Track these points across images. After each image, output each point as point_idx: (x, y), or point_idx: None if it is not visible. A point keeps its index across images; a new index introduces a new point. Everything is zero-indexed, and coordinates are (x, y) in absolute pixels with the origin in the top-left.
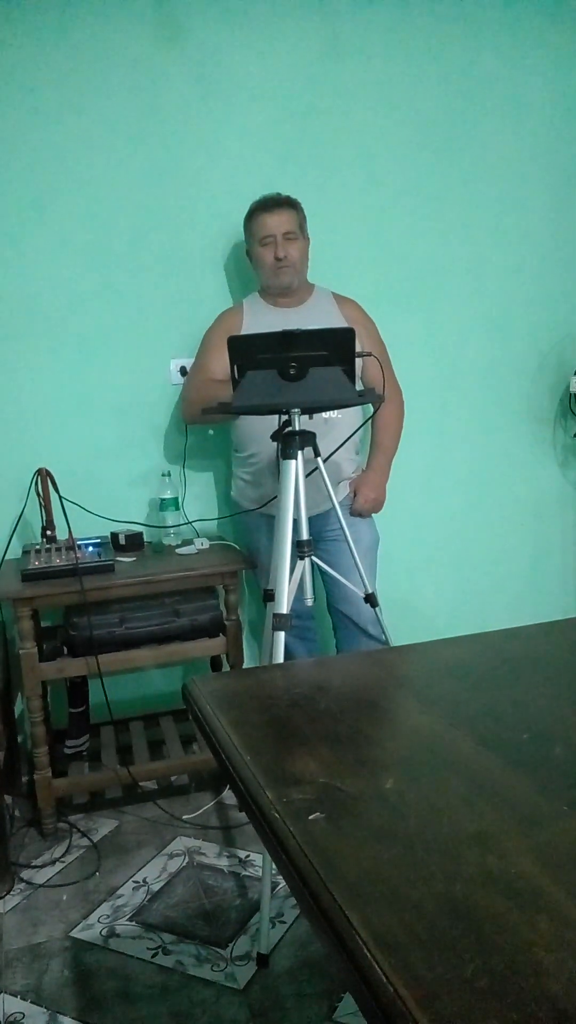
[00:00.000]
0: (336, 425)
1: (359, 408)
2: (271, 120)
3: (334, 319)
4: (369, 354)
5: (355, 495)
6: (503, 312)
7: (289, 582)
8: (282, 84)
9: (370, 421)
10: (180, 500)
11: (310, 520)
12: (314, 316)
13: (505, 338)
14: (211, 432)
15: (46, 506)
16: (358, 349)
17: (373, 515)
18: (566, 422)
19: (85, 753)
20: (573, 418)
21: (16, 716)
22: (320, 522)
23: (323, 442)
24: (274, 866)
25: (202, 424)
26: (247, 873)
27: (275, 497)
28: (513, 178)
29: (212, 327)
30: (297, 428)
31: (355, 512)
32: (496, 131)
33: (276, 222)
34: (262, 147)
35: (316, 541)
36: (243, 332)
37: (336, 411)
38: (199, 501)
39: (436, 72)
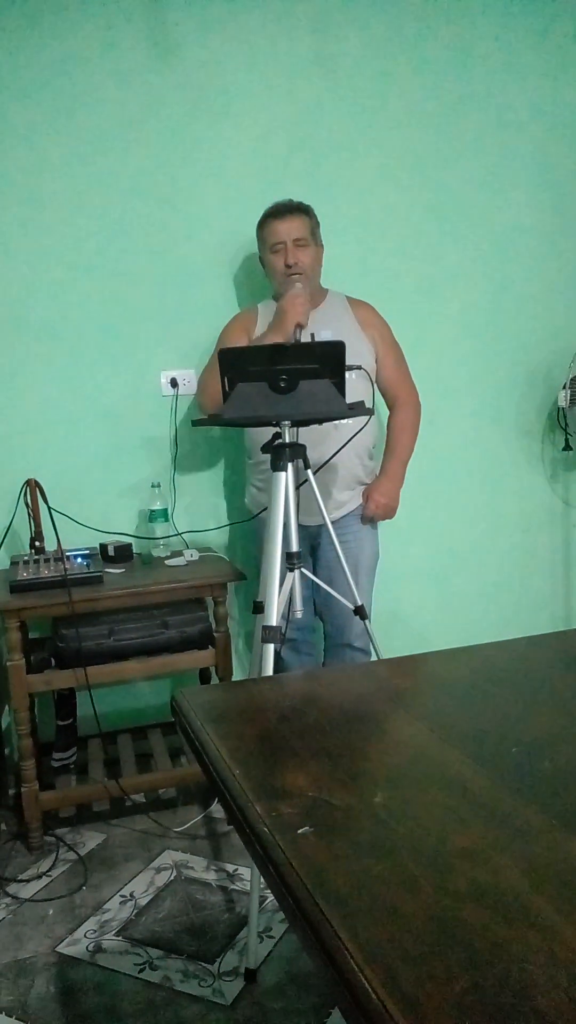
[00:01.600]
0: (347, 431)
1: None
2: (262, 131)
3: (348, 323)
4: (359, 367)
5: (367, 500)
6: (492, 326)
7: (279, 594)
8: (274, 95)
9: (385, 426)
10: (170, 511)
11: (314, 529)
12: (327, 320)
13: (494, 352)
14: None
15: (35, 517)
16: (364, 359)
17: (376, 533)
18: (554, 436)
19: (72, 766)
20: (561, 432)
21: (3, 728)
22: (324, 532)
23: (332, 448)
24: (262, 880)
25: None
26: (235, 887)
27: (265, 508)
28: (501, 192)
29: (227, 325)
30: (287, 440)
31: (367, 518)
32: (486, 144)
33: (286, 228)
34: (254, 158)
35: (317, 550)
36: (256, 334)
37: (367, 417)
38: (189, 512)
39: (426, 82)
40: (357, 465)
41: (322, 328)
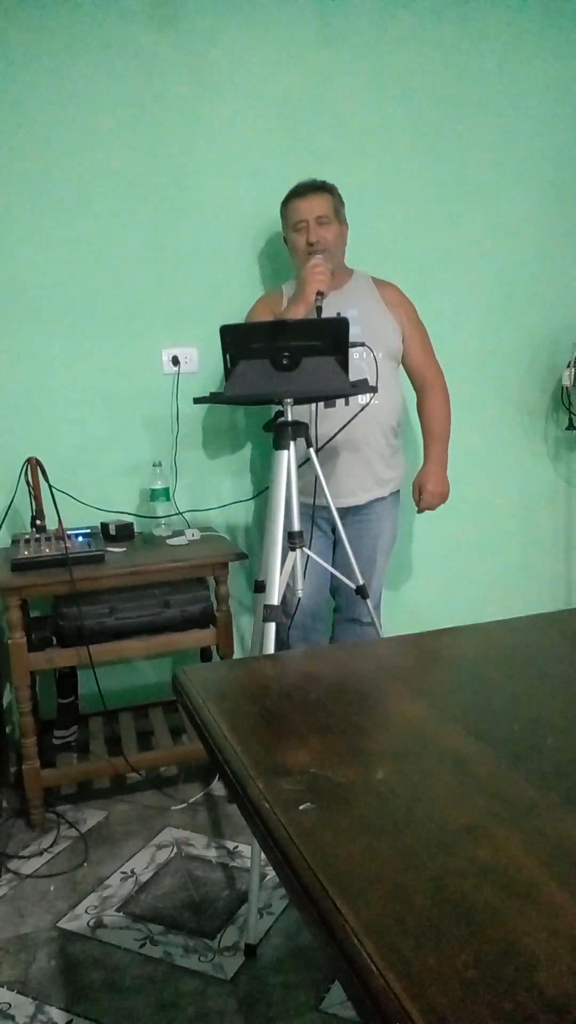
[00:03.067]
0: (375, 409)
1: (398, 390)
2: (265, 108)
3: (374, 303)
4: (362, 344)
5: (420, 493)
6: (496, 305)
7: (281, 573)
8: (276, 71)
9: (418, 411)
10: (171, 490)
11: (339, 512)
12: (353, 300)
13: (498, 332)
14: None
15: (36, 495)
16: (391, 339)
17: (398, 514)
18: (558, 415)
19: (73, 744)
20: (565, 411)
21: (4, 706)
22: (345, 513)
23: (361, 426)
24: (263, 857)
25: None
26: (235, 864)
27: (267, 487)
28: (508, 171)
29: (252, 306)
30: (289, 418)
31: (423, 510)
32: (492, 121)
33: (308, 207)
34: (256, 135)
35: (336, 531)
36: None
37: (371, 395)
38: (190, 491)
39: (431, 57)
40: (383, 445)
41: (348, 308)
